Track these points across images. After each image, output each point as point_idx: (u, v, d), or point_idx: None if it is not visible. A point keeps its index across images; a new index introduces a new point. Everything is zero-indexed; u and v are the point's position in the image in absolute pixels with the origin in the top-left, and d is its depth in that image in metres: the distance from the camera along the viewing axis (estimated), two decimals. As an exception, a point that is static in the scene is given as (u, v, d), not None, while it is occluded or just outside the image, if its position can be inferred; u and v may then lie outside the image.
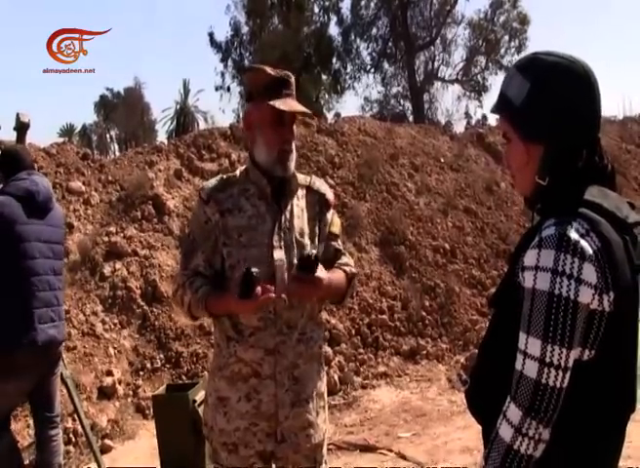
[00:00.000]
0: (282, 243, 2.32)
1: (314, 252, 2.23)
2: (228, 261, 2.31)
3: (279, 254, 2.30)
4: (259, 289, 2.11)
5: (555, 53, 1.53)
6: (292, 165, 2.37)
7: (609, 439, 1.51)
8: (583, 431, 1.45)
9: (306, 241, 2.38)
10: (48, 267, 3.74)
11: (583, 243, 1.38)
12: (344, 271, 2.44)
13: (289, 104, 2.28)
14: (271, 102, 2.25)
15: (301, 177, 2.48)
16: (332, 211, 2.54)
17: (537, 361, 1.38)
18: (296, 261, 2.26)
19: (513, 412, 1.41)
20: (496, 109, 1.62)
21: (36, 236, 3.70)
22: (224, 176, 2.44)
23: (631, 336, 1.48)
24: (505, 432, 1.42)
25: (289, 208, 2.39)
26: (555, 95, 1.50)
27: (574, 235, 1.38)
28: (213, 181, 2.42)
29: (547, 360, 1.37)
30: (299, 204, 2.43)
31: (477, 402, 1.64)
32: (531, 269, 1.42)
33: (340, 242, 2.55)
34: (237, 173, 2.46)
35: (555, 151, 1.50)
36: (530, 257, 1.43)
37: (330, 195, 2.54)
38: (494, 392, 1.52)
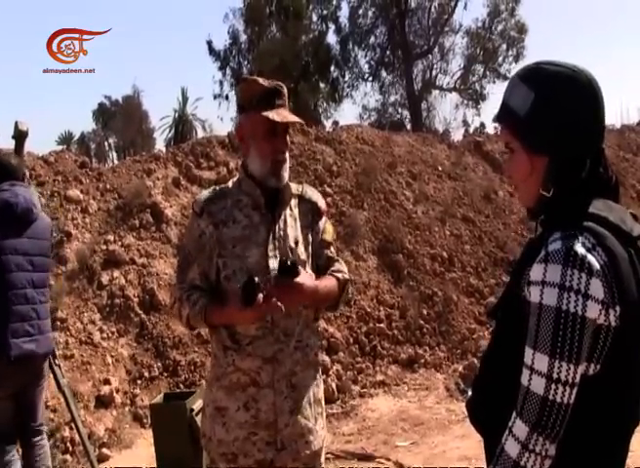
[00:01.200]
0: (277, 252, 2.33)
1: (294, 258, 2.26)
2: (224, 272, 2.32)
3: (274, 264, 2.31)
4: (260, 296, 2.12)
5: (558, 62, 1.51)
6: (285, 175, 2.39)
7: (614, 452, 1.51)
8: (589, 445, 1.45)
9: (301, 249, 2.40)
10: (26, 280, 3.70)
11: (590, 258, 1.37)
12: (336, 278, 2.44)
13: (282, 115, 2.30)
14: (264, 113, 2.27)
15: (293, 187, 2.49)
16: (324, 218, 2.56)
17: (544, 377, 1.37)
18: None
19: (519, 428, 1.40)
20: (498, 119, 1.61)
21: (13, 248, 3.68)
22: (217, 188, 2.46)
23: (637, 350, 1.47)
24: (512, 448, 1.41)
25: (282, 217, 2.40)
26: (560, 106, 1.48)
27: (581, 250, 1.37)
28: (206, 194, 2.43)
29: (555, 376, 1.36)
30: (292, 213, 2.44)
31: (479, 414, 1.64)
32: (537, 284, 1.40)
33: (332, 249, 2.56)
34: (230, 184, 2.48)
35: (560, 163, 1.49)
36: (536, 272, 1.41)
37: (322, 203, 2.56)
38: (496, 404, 1.52)
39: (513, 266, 1.60)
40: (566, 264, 1.36)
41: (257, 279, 2.12)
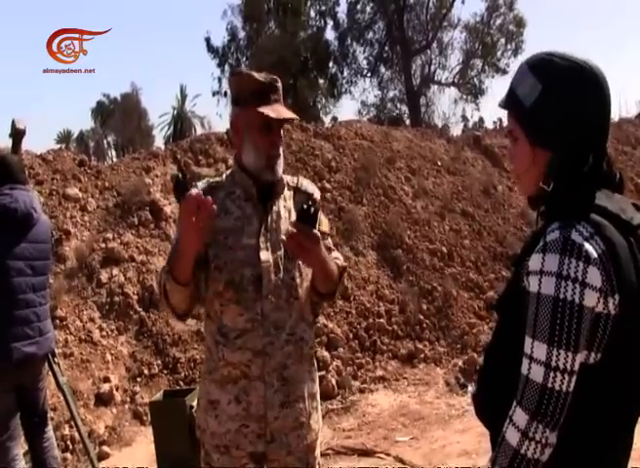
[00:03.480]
0: (268, 244, 2.33)
1: (317, 206, 2.13)
2: (214, 263, 2.32)
3: (266, 256, 2.31)
4: (192, 190, 2.08)
5: (570, 56, 1.50)
6: (279, 169, 2.39)
7: (616, 443, 1.51)
8: (591, 434, 1.45)
9: None
10: (26, 285, 3.72)
11: (588, 246, 1.37)
12: (336, 263, 2.43)
13: (277, 111, 2.29)
14: (260, 109, 2.26)
15: (289, 178, 2.50)
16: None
17: (542, 365, 1.38)
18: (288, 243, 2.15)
19: (519, 416, 1.41)
20: (504, 105, 1.61)
21: (13, 254, 3.69)
22: (210, 180, 2.46)
23: (638, 338, 1.46)
24: (512, 436, 1.42)
25: (275, 209, 2.40)
26: (567, 101, 1.48)
27: (578, 239, 1.38)
28: (199, 185, 2.42)
29: (553, 364, 1.37)
30: (285, 205, 2.44)
31: (484, 407, 1.64)
32: (536, 274, 1.41)
33: (329, 240, 2.54)
34: (223, 176, 2.48)
35: (562, 158, 1.49)
36: (534, 262, 1.42)
37: (317, 194, 2.56)
38: (500, 397, 1.52)
39: (516, 258, 1.60)
40: (563, 253, 1.37)
41: (181, 175, 2.14)
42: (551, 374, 1.37)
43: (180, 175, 2.12)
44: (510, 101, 1.58)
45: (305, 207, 2.06)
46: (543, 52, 1.57)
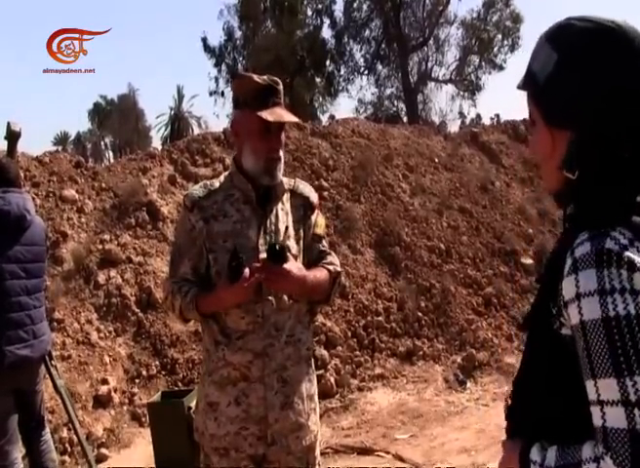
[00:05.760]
0: (268, 247, 2.32)
1: (283, 243, 2.27)
2: (215, 267, 2.33)
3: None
4: (246, 271, 2.14)
5: (592, 18, 1.25)
6: (279, 173, 2.39)
7: None
8: None
9: (292, 243, 2.40)
10: (19, 288, 3.71)
11: (628, 253, 1.12)
12: (327, 270, 2.44)
13: (276, 114, 2.29)
14: (258, 113, 2.26)
15: (285, 181, 2.49)
16: (316, 212, 2.55)
17: (620, 404, 1.08)
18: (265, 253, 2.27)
19: None
20: (521, 85, 1.36)
21: (6, 257, 3.68)
22: (209, 183, 2.46)
23: None
24: None
25: (274, 212, 2.40)
26: (587, 68, 1.21)
27: (614, 247, 1.12)
28: (197, 188, 2.44)
29: (633, 398, 1.07)
30: (283, 207, 2.44)
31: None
32: (572, 301, 1.15)
33: (324, 243, 2.56)
34: (221, 178, 2.48)
35: (586, 138, 1.22)
36: (568, 288, 1.17)
37: (314, 197, 2.56)
38: (536, 437, 1.29)
39: (541, 274, 1.35)
40: (600, 266, 1.12)
41: (241, 255, 2.14)
42: (637, 412, 1.06)
43: (238, 254, 2.15)
44: (526, 80, 1.34)
45: (272, 244, 2.22)
46: (562, 19, 1.32)
